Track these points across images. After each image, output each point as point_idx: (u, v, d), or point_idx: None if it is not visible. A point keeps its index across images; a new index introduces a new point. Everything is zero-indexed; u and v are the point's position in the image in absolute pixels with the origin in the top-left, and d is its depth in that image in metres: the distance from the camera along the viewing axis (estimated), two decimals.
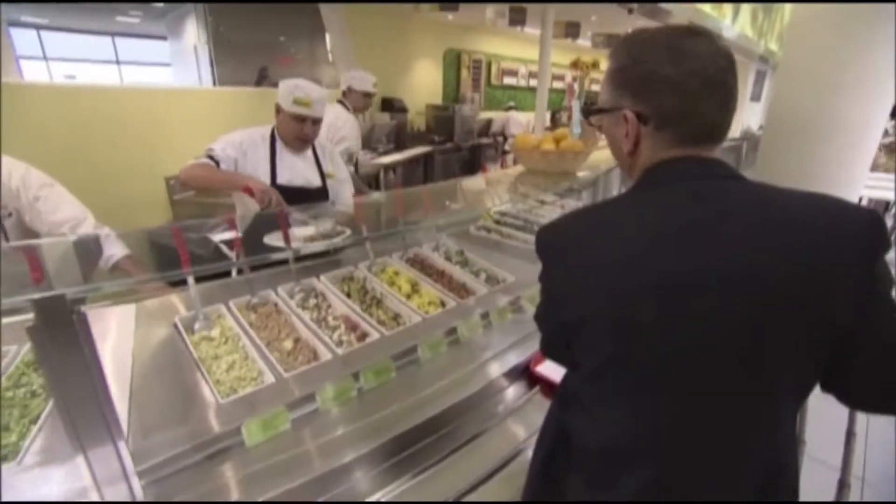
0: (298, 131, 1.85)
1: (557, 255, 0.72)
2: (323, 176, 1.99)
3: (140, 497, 0.75)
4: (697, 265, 0.60)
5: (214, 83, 5.80)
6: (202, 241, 1.09)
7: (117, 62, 9.67)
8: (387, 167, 5.27)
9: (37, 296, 0.58)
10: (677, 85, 0.64)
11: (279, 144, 1.90)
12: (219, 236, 1.12)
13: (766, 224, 0.60)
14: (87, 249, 0.77)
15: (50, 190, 1.48)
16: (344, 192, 2.11)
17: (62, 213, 1.48)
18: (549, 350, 0.87)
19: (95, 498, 0.72)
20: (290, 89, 1.79)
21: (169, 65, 7.98)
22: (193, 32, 6.35)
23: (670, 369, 0.63)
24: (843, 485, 1.15)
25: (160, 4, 6.83)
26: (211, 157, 1.76)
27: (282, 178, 1.88)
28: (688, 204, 0.63)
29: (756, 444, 0.67)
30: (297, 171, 1.93)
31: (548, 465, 0.83)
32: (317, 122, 1.87)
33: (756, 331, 0.59)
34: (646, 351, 0.64)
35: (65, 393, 0.63)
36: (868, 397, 0.70)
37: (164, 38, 8.18)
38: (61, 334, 0.61)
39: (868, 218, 0.60)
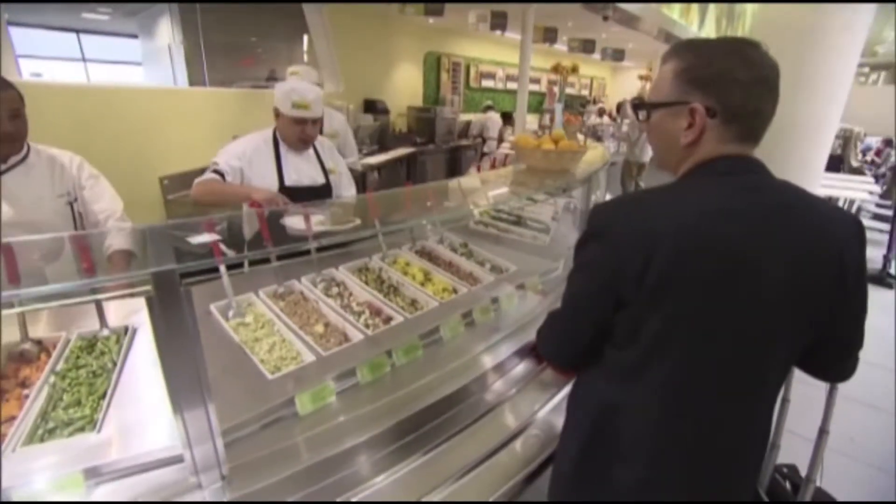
0: (300, 133, 1.91)
1: (626, 222, 0.75)
2: (326, 172, 2.07)
3: (222, 455, 0.84)
4: (755, 244, 0.70)
5: (190, 83, 5.73)
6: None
7: (83, 60, 9.34)
8: (371, 167, 5.36)
9: (154, 270, 0.68)
10: (747, 86, 0.72)
11: (282, 147, 1.95)
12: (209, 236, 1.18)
13: (801, 220, 0.73)
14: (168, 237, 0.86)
15: (95, 181, 1.61)
16: (345, 184, 2.20)
17: (101, 203, 1.60)
18: (570, 337, 0.88)
19: (186, 456, 0.81)
20: (287, 93, 1.84)
21: (140, 64, 7.76)
22: (167, 31, 6.24)
23: (718, 333, 0.72)
24: (822, 432, 1.32)
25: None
26: (216, 171, 1.80)
27: (289, 180, 1.95)
28: (745, 193, 0.73)
29: (764, 408, 0.82)
30: (303, 171, 2.00)
31: (592, 443, 0.85)
32: (316, 122, 1.94)
33: (786, 306, 0.73)
34: (705, 312, 0.71)
35: (171, 357, 0.72)
36: (833, 368, 0.88)
37: (134, 36, 7.97)
38: (171, 303, 0.70)
39: (858, 220, 0.76)
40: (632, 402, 0.79)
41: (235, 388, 1.07)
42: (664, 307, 0.72)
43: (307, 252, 1.64)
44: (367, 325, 1.34)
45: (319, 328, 1.32)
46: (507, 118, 6.89)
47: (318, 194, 2.00)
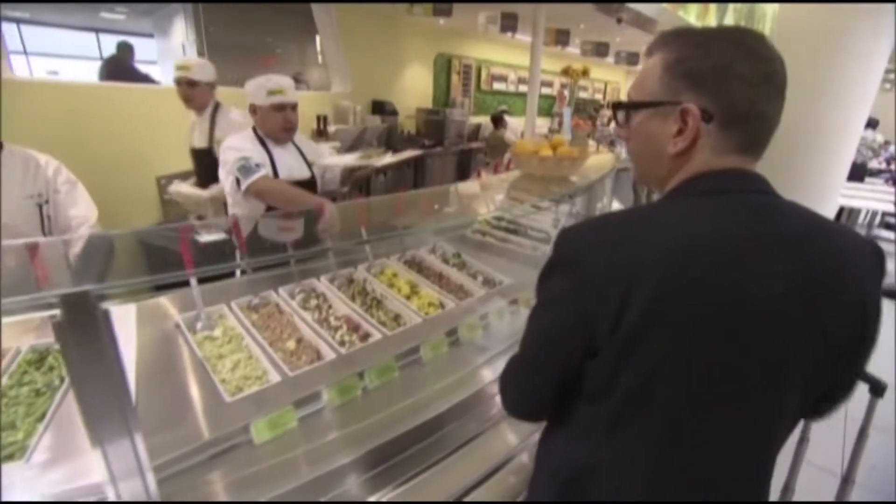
0: (282, 121, 1.88)
1: (602, 250, 0.61)
2: (309, 165, 2.04)
3: (154, 492, 0.75)
4: (760, 278, 0.58)
5: None
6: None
7: (101, 59, 9.49)
8: (378, 170, 5.28)
9: (62, 291, 0.59)
10: (752, 84, 0.60)
11: (268, 143, 1.93)
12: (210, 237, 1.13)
13: (817, 252, 0.61)
14: (108, 247, 0.78)
15: (71, 187, 1.57)
16: (334, 170, 2.16)
17: (76, 209, 1.57)
18: (535, 388, 0.73)
19: (110, 494, 0.72)
20: (262, 84, 1.83)
21: (155, 63, 7.86)
22: (182, 31, 6.29)
23: (713, 384, 0.60)
24: (846, 481, 1.19)
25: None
26: (259, 165, 1.79)
27: (282, 174, 1.92)
28: (747, 216, 0.60)
29: (767, 460, 0.69)
30: (291, 165, 1.97)
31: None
32: (294, 107, 1.91)
33: (799, 351, 0.61)
34: (696, 360, 0.59)
35: (86, 387, 0.64)
36: (819, 410, 0.75)
37: (150, 35, 8.07)
38: (85, 330, 0.62)
39: (879, 250, 0.64)
40: (608, 461, 0.66)
41: (188, 411, 0.99)
42: (646, 354, 0.59)
43: (287, 263, 1.58)
44: (342, 343, 1.25)
45: (291, 344, 1.24)
46: (498, 121, 6.58)
47: (306, 187, 1.95)
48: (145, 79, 4.79)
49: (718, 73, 0.60)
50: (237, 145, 1.85)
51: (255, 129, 1.93)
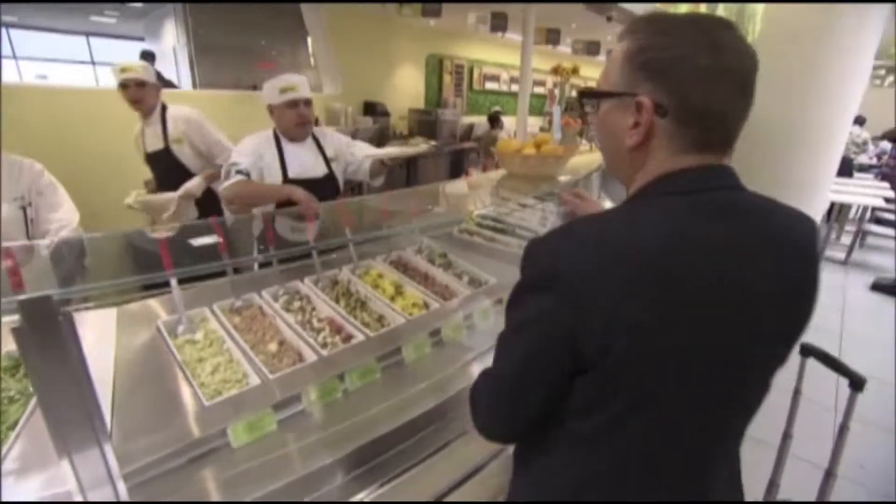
0: (297, 117, 1.93)
1: (583, 262, 0.57)
2: (328, 162, 2.06)
3: (125, 500, 0.74)
4: (733, 280, 0.57)
5: (194, 86, 5.73)
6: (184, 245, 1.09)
7: (92, 62, 9.45)
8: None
9: (23, 297, 0.59)
10: (711, 79, 0.56)
11: (283, 141, 1.99)
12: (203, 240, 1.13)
13: (784, 243, 0.61)
14: (74, 251, 0.77)
15: (52, 189, 1.58)
16: (359, 148, 2.16)
17: (59, 213, 1.58)
18: (516, 414, 0.67)
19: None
20: (274, 84, 1.91)
21: None
22: (172, 34, 6.27)
23: (708, 386, 0.60)
24: (829, 475, 1.19)
25: (139, 5, 6.70)
26: (240, 172, 1.84)
27: (292, 173, 1.96)
28: (720, 215, 0.59)
29: (735, 453, 0.71)
30: (305, 162, 2.00)
31: None
32: (308, 103, 1.96)
33: (769, 347, 0.62)
34: (689, 366, 0.58)
35: (50, 395, 0.63)
36: None
37: (141, 39, 8.03)
38: (47, 336, 0.61)
39: (815, 226, 0.64)
40: (599, 472, 0.64)
41: (166, 416, 0.98)
42: (643, 362, 0.56)
43: (269, 264, 1.58)
44: (324, 344, 1.24)
45: (273, 346, 1.23)
46: (495, 121, 6.65)
47: (320, 185, 1.98)
48: (168, 84, 4.96)
49: (676, 67, 0.57)
50: (240, 148, 1.93)
51: (274, 129, 1.99)
